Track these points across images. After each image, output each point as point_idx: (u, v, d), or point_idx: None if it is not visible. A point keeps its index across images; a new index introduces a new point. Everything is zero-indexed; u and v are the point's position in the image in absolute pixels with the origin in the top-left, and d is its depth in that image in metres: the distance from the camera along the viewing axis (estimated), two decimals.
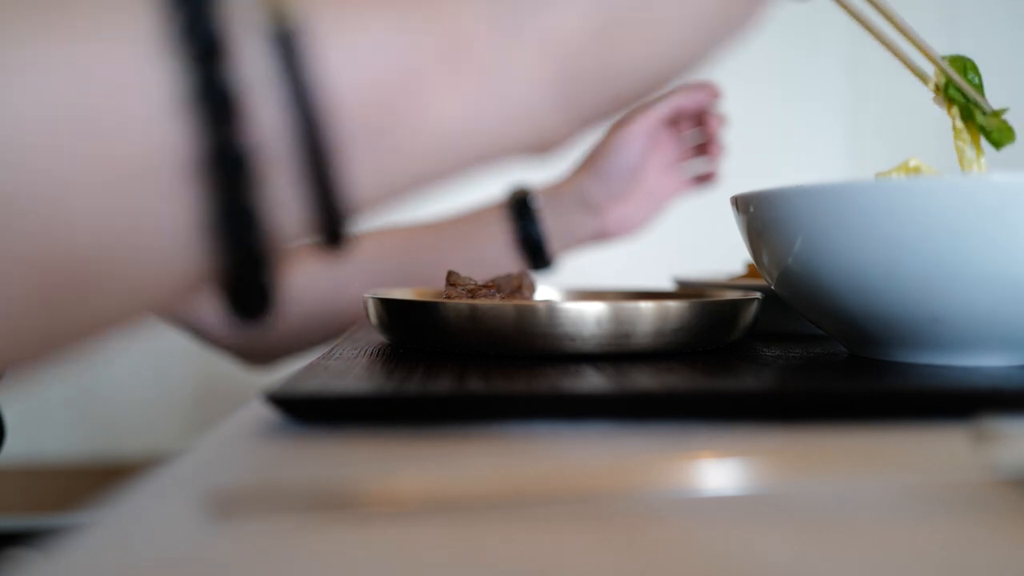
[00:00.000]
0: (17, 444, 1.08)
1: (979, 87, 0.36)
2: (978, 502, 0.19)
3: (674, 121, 0.72)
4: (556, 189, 0.70)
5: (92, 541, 0.17)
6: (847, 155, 1.15)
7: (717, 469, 0.19)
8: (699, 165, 0.74)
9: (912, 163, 0.37)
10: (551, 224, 0.69)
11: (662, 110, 0.68)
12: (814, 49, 1.15)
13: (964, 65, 0.36)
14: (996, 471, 0.19)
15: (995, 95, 0.36)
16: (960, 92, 0.36)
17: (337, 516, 0.18)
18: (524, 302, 0.35)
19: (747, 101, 0.89)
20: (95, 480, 1.04)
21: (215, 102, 0.16)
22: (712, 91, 0.70)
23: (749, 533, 0.17)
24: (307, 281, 0.67)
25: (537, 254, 0.68)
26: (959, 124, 0.36)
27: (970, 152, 0.36)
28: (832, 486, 0.20)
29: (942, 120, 0.38)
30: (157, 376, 1.09)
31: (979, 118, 0.36)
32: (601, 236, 0.72)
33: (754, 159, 0.93)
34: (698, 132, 0.73)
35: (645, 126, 0.68)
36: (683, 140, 0.73)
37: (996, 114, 0.36)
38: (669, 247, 0.93)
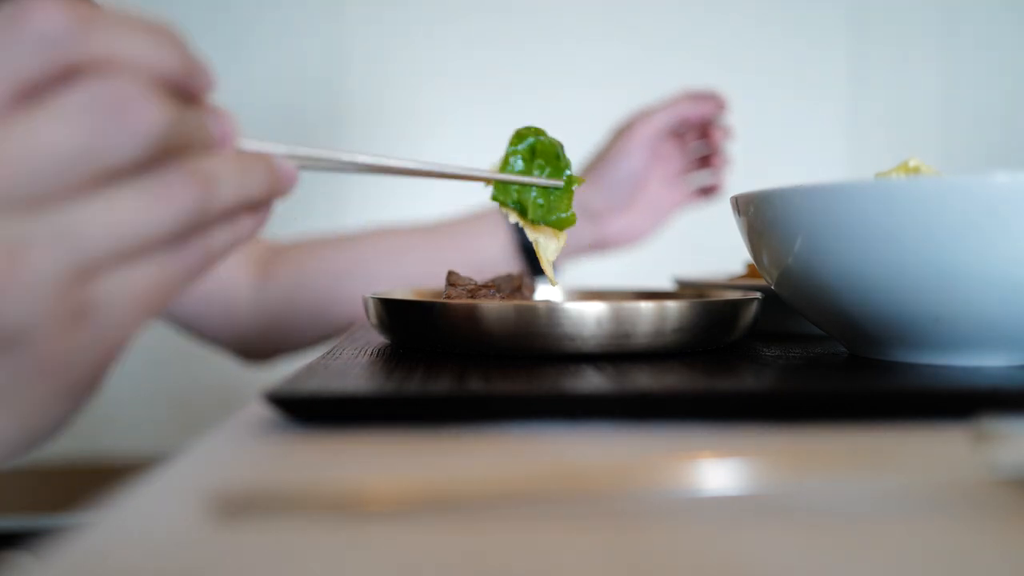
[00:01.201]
0: None
1: (555, 164, 0.35)
2: (978, 502, 0.19)
3: (678, 132, 0.72)
4: None
5: (92, 541, 0.17)
6: (847, 155, 1.15)
7: (717, 469, 0.19)
8: (703, 177, 0.74)
9: (912, 163, 0.37)
10: None
11: (663, 118, 0.68)
12: (814, 49, 1.15)
13: (532, 150, 0.35)
14: (996, 471, 0.19)
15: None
16: (507, 192, 0.35)
17: (337, 516, 0.18)
18: (524, 302, 0.35)
19: (747, 101, 0.90)
20: (95, 480, 1.04)
21: None
22: (718, 102, 0.70)
23: (749, 533, 0.17)
24: (304, 279, 0.67)
25: (535, 261, 0.68)
26: (523, 222, 0.36)
27: (544, 240, 0.36)
28: (832, 486, 0.20)
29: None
30: (154, 375, 1.09)
31: (532, 213, 0.35)
32: (602, 245, 0.72)
33: (754, 158, 0.93)
34: (702, 144, 0.73)
35: (647, 134, 0.68)
36: (687, 152, 0.73)
37: (558, 198, 0.35)
38: (669, 247, 0.93)
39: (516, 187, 0.35)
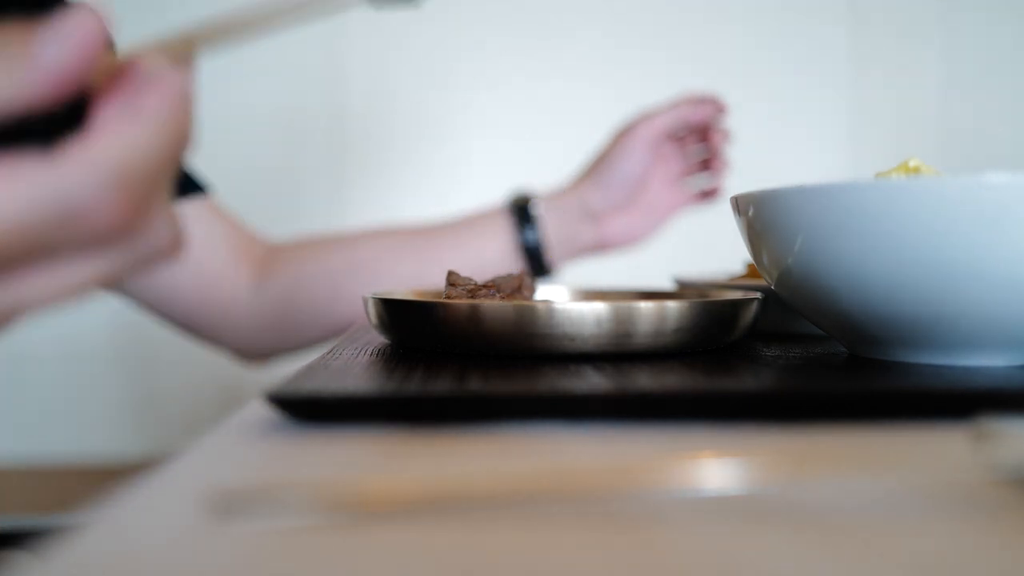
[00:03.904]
0: (16, 444, 1.08)
1: None
2: (978, 502, 0.19)
3: (679, 136, 0.72)
4: (558, 197, 0.70)
5: (92, 541, 0.17)
6: (847, 155, 1.15)
7: (717, 469, 0.19)
8: (703, 180, 0.74)
9: (912, 163, 0.37)
10: (551, 232, 0.69)
11: (665, 120, 0.68)
12: (814, 49, 1.15)
13: None
14: (996, 471, 0.19)
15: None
16: None
17: (337, 516, 0.18)
18: (524, 302, 0.35)
19: (747, 101, 0.89)
20: (94, 480, 1.04)
21: None
22: (717, 105, 0.70)
23: (749, 533, 0.17)
24: (304, 279, 0.67)
25: (536, 261, 0.68)
26: None
27: None
28: (832, 486, 0.20)
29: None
30: (154, 375, 1.09)
31: None
32: (602, 246, 0.72)
33: (754, 158, 0.93)
34: (702, 147, 0.73)
35: (648, 135, 0.68)
36: (687, 155, 0.73)
37: None
38: (669, 247, 0.93)
39: None
